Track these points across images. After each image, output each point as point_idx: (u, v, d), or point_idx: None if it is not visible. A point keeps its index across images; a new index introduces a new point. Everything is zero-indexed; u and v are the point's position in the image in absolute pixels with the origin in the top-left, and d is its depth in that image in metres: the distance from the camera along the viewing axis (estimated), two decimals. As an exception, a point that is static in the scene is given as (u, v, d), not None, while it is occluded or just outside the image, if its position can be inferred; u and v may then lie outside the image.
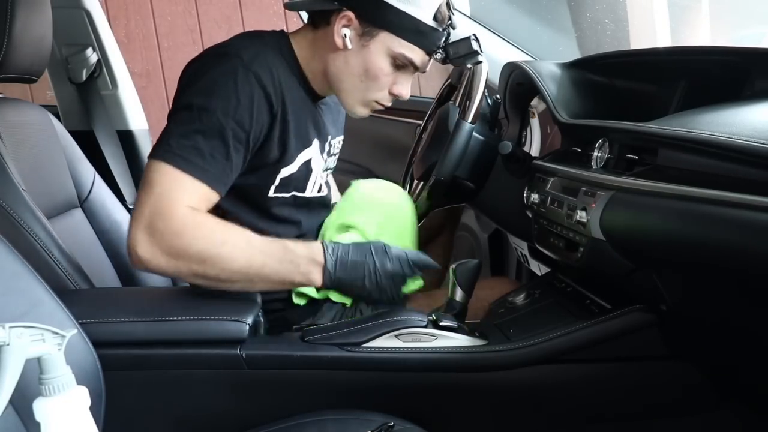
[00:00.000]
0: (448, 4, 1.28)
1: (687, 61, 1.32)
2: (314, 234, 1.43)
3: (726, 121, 0.98)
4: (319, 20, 1.31)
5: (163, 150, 1.18)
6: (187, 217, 1.16)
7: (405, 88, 1.33)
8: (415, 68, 1.31)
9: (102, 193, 1.70)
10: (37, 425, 0.73)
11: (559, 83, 1.42)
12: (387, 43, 1.27)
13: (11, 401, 0.72)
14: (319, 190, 1.41)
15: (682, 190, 0.91)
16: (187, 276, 1.20)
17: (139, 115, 2.16)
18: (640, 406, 1.22)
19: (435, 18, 1.26)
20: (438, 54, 1.31)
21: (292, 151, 1.30)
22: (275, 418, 1.11)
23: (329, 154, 1.46)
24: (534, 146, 1.56)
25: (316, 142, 1.36)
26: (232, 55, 1.22)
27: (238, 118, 1.20)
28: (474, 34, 1.33)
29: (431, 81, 3.56)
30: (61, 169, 1.59)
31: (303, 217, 1.39)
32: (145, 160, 1.93)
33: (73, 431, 0.74)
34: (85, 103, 2.05)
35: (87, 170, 1.68)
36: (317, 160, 1.37)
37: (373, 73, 1.29)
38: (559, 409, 1.23)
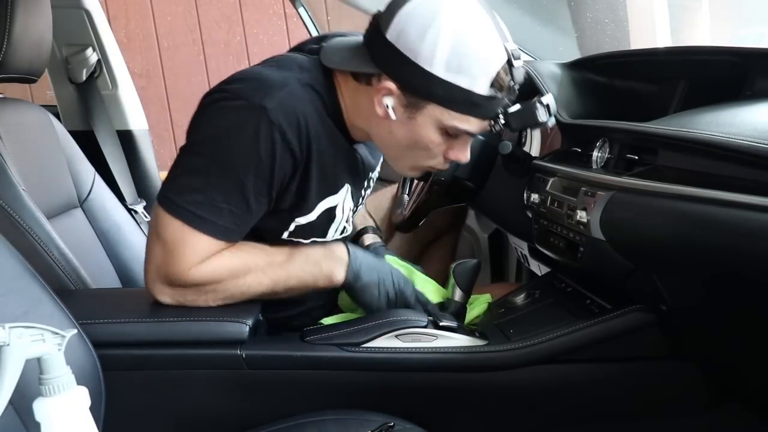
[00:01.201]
0: (509, 63, 1.09)
1: (687, 61, 1.33)
2: None
3: (726, 121, 0.98)
4: (361, 77, 1.15)
5: (176, 205, 1.11)
6: (205, 267, 1.13)
7: (463, 153, 1.19)
8: (472, 135, 1.17)
9: (102, 193, 1.70)
10: (37, 425, 0.73)
11: (559, 83, 1.42)
12: (436, 115, 1.11)
13: (11, 401, 0.72)
14: (343, 231, 1.28)
15: (682, 190, 0.91)
16: (213, 304, 1.18)
17: (139, 115, 2.16)
18: (640, 406, 1.22)
19: (492, 85, 1.09)
20: (498, 124, 1.15)
21: (311, 201, 1.18)
22: (275, 418, 1.11)
23: (367, 189, 1.36)
24: (534, 146, 1.56)
25: (346, 188, 1.23)
26: (255, 105, 1.07)
27: (260, 172, 1.10)
28: (539, 98, 1.17)
29: (431, 81, 3.57)
30: (61, 169, 1.59)
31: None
32: (146, 160, 1.92)
33: (73, 431, 0.74)
34: (85, 103, 2.06)
35: (87, 170, 1.68)
36: (345, 205, 1.25)
37: (423, 144, 1.15)
38: (559, 409, 1.23)
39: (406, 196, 1.66)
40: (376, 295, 1.24)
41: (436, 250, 1.82)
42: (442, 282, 1.37)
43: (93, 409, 0.76)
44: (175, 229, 1.11)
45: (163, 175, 2.03)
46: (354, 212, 1.32)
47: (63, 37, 1.98)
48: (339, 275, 1.22)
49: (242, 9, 3.68)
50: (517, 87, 1.13)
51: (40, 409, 0.73)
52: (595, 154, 1.24)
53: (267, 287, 1.19)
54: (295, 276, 1.20)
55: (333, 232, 1.26)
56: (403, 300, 1.26)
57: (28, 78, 1.46)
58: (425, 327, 1.20)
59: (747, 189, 0.82)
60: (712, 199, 0.86)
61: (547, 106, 1.16)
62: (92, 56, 2.04)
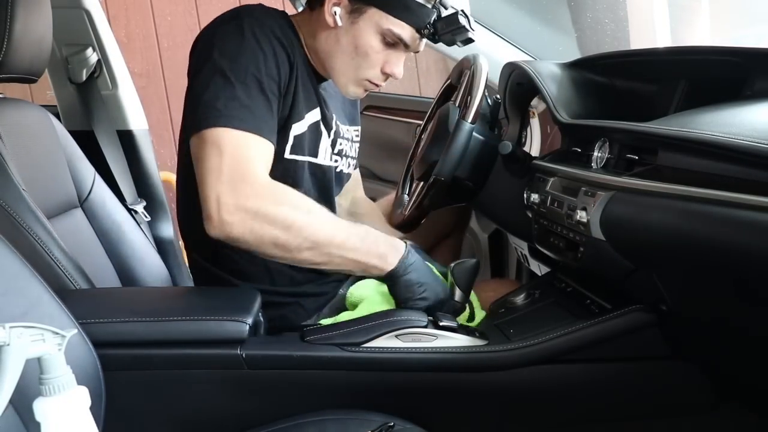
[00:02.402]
0: None
1: (687, 61, 1.32)
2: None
3: (726, 121, 0.98)
4: (314, 1, 1.35)
5: (214, 116, 1.19)
6: (272, 183, 1.19)
7: (397, 67, 1.35)
8: (406, 46, 1.32)
9: (102, 193, 1.69)
10: (37, 425, 0.73)
11: (559, 83, 1.42)
12: (375, 19, 1.29)
13: (11, 401, 0.72)
14: (330, 158, 1.42)
15: (682, 190, 0.91)
16: (268, 244, 1.20)
17: (139, 115, 2.16)
18: (640, 406, 1.22)
19: None
20: (426, 31, 1.32)
21: (300, 107, 1.31)
22: (275, 418, 1.11)
23: (339, 136, 1.45)
24: (534, 146, 1.56)
25: (318, 110, 1.37)
26: (244, 16, 1.26)
27: (268, 70, 1.23)
28: (462, 10, 1.33)
29: (431, 81, 3.57)
30: (61, 169, 1.59)
31: (319, 190, 1.41)
32: (146, 160, 1.92)
33: (73, 431, 0.74)
34: (85, 103, 2.05)
35: (87, 170, 1.68)
36: (324, 126, 1.38)
37: (363, 50, 1.31)
38: (559, 408, 1.23)
39: (406, 196, 1.66)
40: (417, 294, 1.26)
41: (440, 251, 1.82)
42: None
43: (93, 409, 0.76)
44: (229, 136, 1.18)
45: (163, 175, 2.02)
46: (336, 152, 1.44)
47: (63, 37, 1.98)
48: (392, 261, 1.26)
49: (242, 9, 3.69)
50: (441, 2, 1.30)
51: (40, 409, 0.73)
52: (595, 154, 1.24)
53: (325, 236, 1.21)
54: (353, 242, 1.23)
55: (324, 154, 1.39)
56: (442, 303, 1.29)
57: (28, 78, 1.46)
58: (425, 327, 1.20)
59: (747, 189, 0.82)
60: (712, 199, 0.86)
61: (468, 18, 1.33)
62: (92, 56, 2.04)
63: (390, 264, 1.26)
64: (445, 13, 1.32)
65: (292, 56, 1.29)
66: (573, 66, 1.49)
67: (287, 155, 1.32)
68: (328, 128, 1.40)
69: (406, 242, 1.30)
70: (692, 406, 1.22)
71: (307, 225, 1.20)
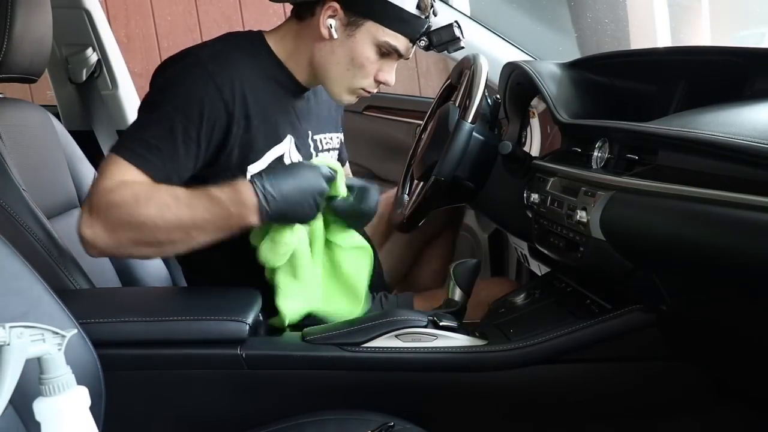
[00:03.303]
0: None
1: (687, 61, 1.32)
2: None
3: (726, 121, 0.98)
4: (304, 12, 1.34)
5: (116, 145, 1.26)
6: (115, 188, 1.19)
7: (390, 75, 1.36)
8: (399, 55, 1.34)
9: (102, 193, 1.69)
10: (37, 425, 0.73)
11: (559, 83, 1.42)
12: (372, 32, 1.30)
13: (11, 401, 0.72)
14: None
15: (682, 190, 0.91)
16: (131, 249, 1.23)
17: (139, 115, 2.16)
18: (640, 406, 1.22)
19: (418, 6, 1.29)
20: (421, 42, 1.34)
21: (258, 148, 1.31)
22: (275, 418, 1.11)
23: (319, 150, 1.45)
24: (534, 146, 1.56)
25: (289, 138, 1.36)
26: (191, 55, 1.29)
27: (188, 113, 1.23)
28: (456, 21, 1.36)
29: (431, 81, 3.57)
30: (61, 169, 1.59)
31: None
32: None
33: (73, 431, 0.74)
34: (85, 103, 2.05)
35: (87, 170, 1.68)
36: (292, 156, 1.36)
37: (359, 61, 1.32)
38: (559, 409, 1.23)
39: (406, 196, 1.66)
40: (305, 214, 1.22)
41: (433, 250, 1.82)
42: (440, 283, 1.38)
43: (93, 409, 0.76)
44: (110, 161, 1.23)
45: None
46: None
47: (63, 37, 1.98)
48: (253, 219, 1.19)
49: (242, 9, 3.68)
50: (434, 14, 1.33)
51: (40, 409, 0.73)
52: (595, 154, 1.24)
53: (171, 222, 1.18)
54: (202, 216, 1.19)
55: None
56: (321, 192, 1.23)
57: (28, 78, 1.46)
58: (425, 327, 1.20)
59: (747, 189, 0.82)
60: (712, 199, 0.86)
61: (460, 28, 1.36)
62: (92, 56, 2.04)
63: (253, 221, 1.19)
64: (433, 20, 1.34)
65: (234, 103, 1.25)
66: (573, 66, 1.49)
67: None
68: (303, 151, 1.39)
69: (254, 184, 1.19)
70: (692, 406, 1.22)
71: (150, 218, 1.17)
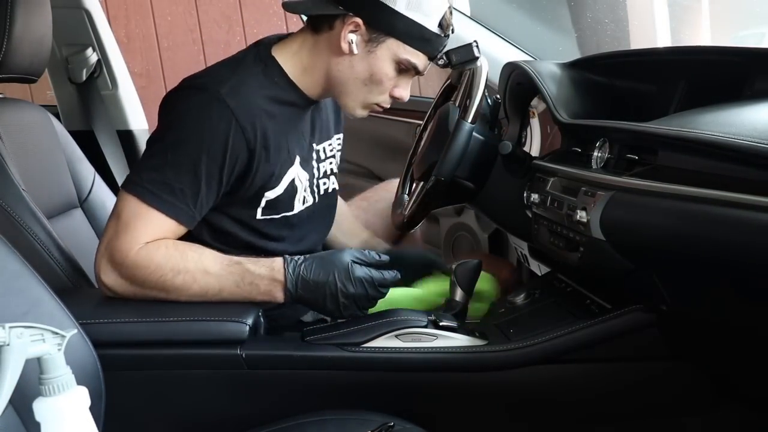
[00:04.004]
0: (450, 11, 1.31)
1: (687, 61, 1.32)
2: (312, 242, 1.44)
3: (726, 121, 0.98)
4: (321, 25, 1.31)
5: (133, 183, 1.22)
6: (141, 252, 1.19)
7: (405, 91, 1.35)
8: (417, 72, 1.34)
9: (102, 193, 1.69)
10: (37, 425, 0.73)
11: (559, 83, 1.42)
12: (393, 49, 1.28)
13: (11, 401, 0.72)
14: (304, 202, 1.40)
15: (682, 190, 0.91)
16: (153, 299, 1.22)
17: (139, 115, 2.16)
18: (640, 406, 1.22)
19: (440, 25, 1.29)
20: (440, 60, 1.34)
21: (276, 175, 1.31)
22: (275, 418, 1.11)
23: (320, 161, 1.45)
24: (534, 146, 1.56)
25: (297, 159, 1.36)
26: (209, 89, 1.23)
27: (212, 153, 1.21)
28: (475, 41, 1.36)
29: (431, 81, 3.57)
30: (61, 169, 1.59)
31: (297, 231, 1.40)
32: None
33: (73, 431, 0.74)
34: (85, 103, 2.05)
35: (87, 170, 1.68)
36: (301, 176, 1.38)
37: (378, 78, 1.30)
38: (559, 408, 1.23)
39: (406, 196, 1.66)
40: (327, 308, 1.22)
41: (407, 241, 1.84)
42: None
43: (93, 409, 0.76)
44: (131, 205, 1.20)
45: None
46: (322, 177, 1.45)
47: (63, 37, 1.98)
48: (278, 296, 1.22)
49: (242, 9, 3.68)
50: (452, 32, 1.32)
51: (40, 409, 0.73)
52: (595, 154, 1.24)
53: (196, 293, 1.21)
54: (229, 291, 1.22)
55: (299, 204, 1.38)
56: (354, 297, 1.21)
57: (28, 78, 1.46)
58: (425, 327, 1.20)
59: (747, 189, 0.82)
60: (712, 199, 0.86)
61: (478, 46, 1.35)
62: (92, 56, 2.04)
63: (279, 298, 1.22)
64: (453, 38, 1.34)
65: (254, 137, 1.25)
66: (573, 66, 1.49)
67: (259, 217, 1.33)
68: (308, 169, 1.40)
69: (285, 262, 1.23)
70: (692, 406, 1.22)
71: (176, 287, 1.20)
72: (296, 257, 1.24)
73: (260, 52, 1.33)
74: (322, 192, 1.45)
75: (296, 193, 1.37)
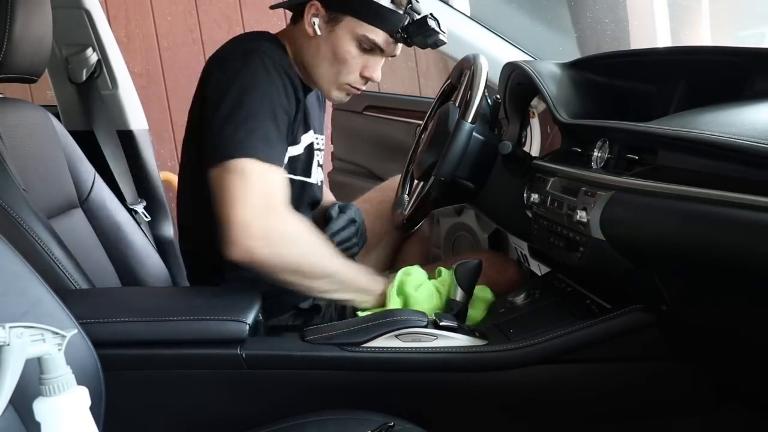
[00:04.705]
0: None
1: (687, 61, 1.32)
2: None
3: (726, 121, 0.98)
4: (296, 15, 1.44)
5: (238, 147, 1.26)
6: (296, 213, 1.30)
7: (375, 72, 1.43)
8: (381, 50, 1.40)
9: (102, 193, 1.69)
10: (37, 425, 0.73)
11: (559, 83, 1.42)
12: (351, 26, 1.37)
13: (11, 401, 0.72)
14: (318, 175, 1.54)
15: (682, 190, 0.91)
16: (288, 269, 1.28)
17: (139, 115, 2.16)
18: (640, 406, 1.22)
19: (393, 1, 1.37)
20: (398, 34, 1.39)
21: (298, 133, 1.43)
22: (275, 418, 1.11)
23: (317, 149, 1.54)
24: (534, 146, 1.56)
25: (311, 132, 1.49)
26: (258, 52, 1.34)
27: (281, 103, 1.32)
28: (431, 13, 1.39)
29: (431, 81, 3.57)
30: (61, 169, 1.59)
31: (307, 207, 1.51)
32: (146, 160, 1.94)
33: (73, 431, 0.74)
34: (85, 103, 2.05)
35: (87, 170, 1.68)
36: (319, 142, 1.51)
37: (342, 56, 1.39)
38: (559, 408, 1.23)
39: (406, 196, 1.66)
40: None
41: (408, 247, 1.84)
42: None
43: (93, 409, 0.76)
44: (256, 166, 1.25)
45: (163, 175, 2.03)
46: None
47: (63, 37, 1.97)
48: (377, 287, 1.38)
49: (242, 9, 3.68)
50: (413, 8, 1.37)
51: (40, 409, 0.73)
52: (595, 154, 1.24)
53: (336, 270, 1.33)
54: (339, 295, 1.37)
55: (315, 173, 1.52)
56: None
57: (28, 78, 1.46)
58: (425, 327, 1.20)
59: (747, 189, 0.82)
60: (712, 199, 0.86)
61: (437, 21, 1.39)
62: (92, 56, 2.03)
63: (378, 289, 1.36)
64: (417, 18, 1.39)
65: (298, 88, 1.37)
66: (573, 66, 1.49)
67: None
68: (317, 148, 1.51)
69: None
70: (692, 406, 1.22)
71: (324, 255, 1.31)
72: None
73: (269, 35, 1.45)
74: (320, 179, 1.56)
75: (313, 159, 1.49)
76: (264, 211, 1.24)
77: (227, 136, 1.28)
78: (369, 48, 1.39)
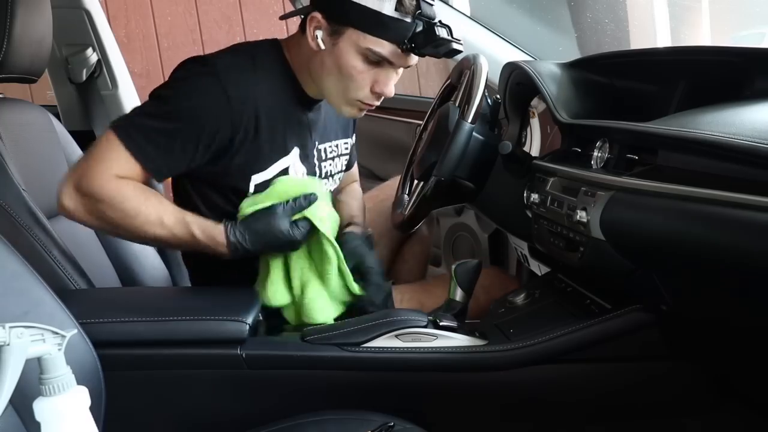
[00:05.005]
0: None
1: (687, 61, 1.32)
2: None
3: (726, 121, 0.98)
4: (303, 25, 1.34)
5: (119, 121, 1.30)
6: (110, 185, 1.25)
7: (387, 87, 1.32)
8: (390, 63, 1.29)
9: (102, 193, 1.69)
10: (37, 425, 0.73)
11: (559, 83, 1.42)
12: (354, 39, 1.26)
13: (11, 401, 0.72)
14: None
15: (682, 190, 0.91)
16: (107, 232, 1.37)
17: (139, 115, 2.15)
18: (640, 406, 1.22)
19: (397, 9, 1.24)
20: (406, 45, 1.27)
21: (264, 159, 1.34)
22: (275, 418, 1.11)
23: (322, 160, 1.46)
24: (534, 146, 1.56)
25: (296, 151, 1.38)
26: (210, 63, 1.30)
27: (193, 119, 1.26)
28: (439, 20, 1.27)
29: (431, 81, 3.57)
30: (61, 169, 1.59)
31: None
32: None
33: (73, 431, 0.74)
34: (85, 103, 2.05)
35: (87, 170, 1.68)
36: (297, 169, 1.39)
37: (347, 71, 1.29)
38: (559, 409, 1.23)
39: (406, 196, 1.66)
40: (280, 246, 1.29)
41: (409, 247, 1.84)
42: (416, 278, 1.38)
43: (93, 409, 0.76)
44: (110, 141, 1.26)
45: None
46: (334, 178, 1.49)
47: (63, 37, 1.98)
48: (225, 253, 1.29)
49: (242, 9, 3.68)
50: (422, 14, 1.25)
51: (40, 409, 0.73)
52: (595, 154, 1.24)
53: (148, 238, 1.29)
54: (176, 244, 1.32)
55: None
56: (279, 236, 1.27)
57: (28, 78, 1.46)
58: (425, 327, 1.20)
59: (747, 189, 0.82)
60: (712, 199, 0.86)
61: (448, 28, 1.27)
62: (92, 56, 2.04)
63: (225, 253, 1.28)
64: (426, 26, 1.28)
65: (243, 115, 1.28)
66: (573, 66, 1.49)
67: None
68: (309, 165, 1.42)
69: (226, 229, 1.29)
70: (692, 406, 1.22)
71: (132, 227, 1.27)
72: (232, 223, 1.29)
73: (270, 44, 1.38)
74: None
75: (315, 173, 1.42)
76: (84, 173, 1.26)
77: (129, 114, 1.31)
78: (376, 61, 1.28)
